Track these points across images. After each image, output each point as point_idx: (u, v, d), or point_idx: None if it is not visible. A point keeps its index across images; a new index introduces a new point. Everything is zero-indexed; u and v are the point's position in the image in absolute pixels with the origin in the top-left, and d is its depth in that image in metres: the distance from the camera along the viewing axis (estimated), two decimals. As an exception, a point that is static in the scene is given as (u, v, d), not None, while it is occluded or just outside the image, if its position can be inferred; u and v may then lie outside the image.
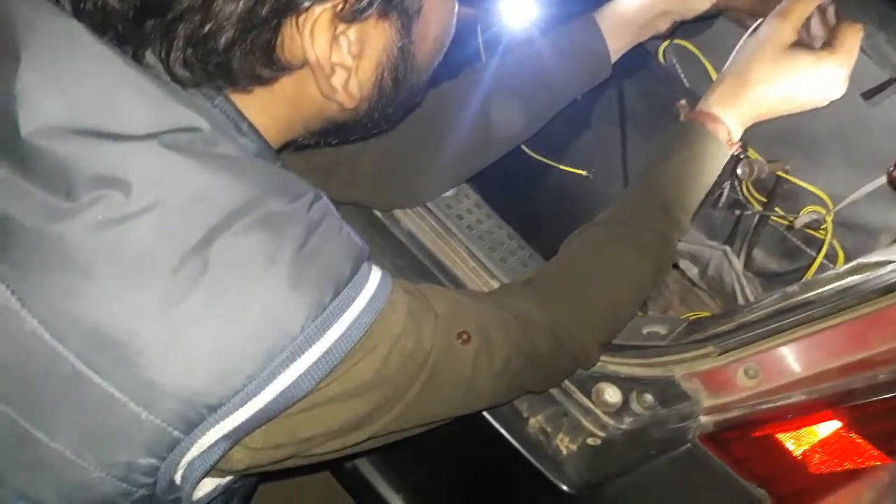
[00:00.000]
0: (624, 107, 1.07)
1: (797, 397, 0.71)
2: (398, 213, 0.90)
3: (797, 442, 0.72)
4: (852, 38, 0.77)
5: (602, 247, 0.76)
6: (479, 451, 0.88)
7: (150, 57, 0.53)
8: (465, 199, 0.93)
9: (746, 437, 0.73)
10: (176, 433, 0.49)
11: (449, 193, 0.93)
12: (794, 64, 0.77)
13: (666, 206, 0.77)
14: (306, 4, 0.52)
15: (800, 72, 0.78)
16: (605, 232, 0.77)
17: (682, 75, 1.05)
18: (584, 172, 1.06)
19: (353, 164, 0.82)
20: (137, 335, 0.48)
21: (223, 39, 0.52)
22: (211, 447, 0.50)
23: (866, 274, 0.72)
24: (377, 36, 0.57)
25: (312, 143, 0.66)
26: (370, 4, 0.54)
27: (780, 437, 0.72)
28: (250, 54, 0.53)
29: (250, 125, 0.57)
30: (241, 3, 0.50)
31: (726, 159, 0.81)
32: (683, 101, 0.85)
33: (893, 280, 0.68)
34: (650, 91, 1.06)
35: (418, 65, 0.62)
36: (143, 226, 0.48)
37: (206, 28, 0.51)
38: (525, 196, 1.08)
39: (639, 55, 1.05)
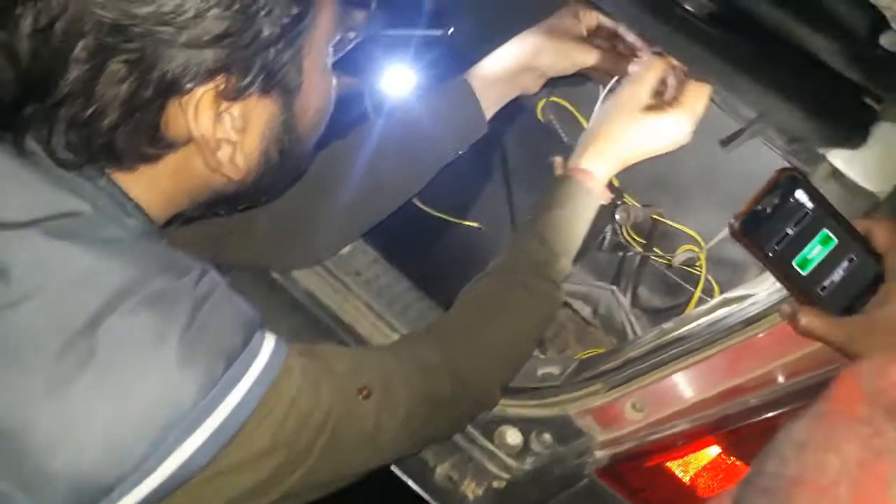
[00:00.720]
0: (508, 163, 1.14)
1: (681, 426, 0.76)
2: (295, 273, 0.91)
3: (685, 469, 0.77)
4: (694, 95, 0.87)
5: (497, 293, 0.80)
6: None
7: (30, 143, 0.53)
8: (363, 256, 0.96)
9: (639, 468, 0.78)
10: None
11: (345, 251, 0.95)
12: (647, 123, 0.86)
13: (551, 253, 0.82)
14: (189, 86, 0.53)
15: (651, 128, 0.86)
16: (498, 279, 0.81)
17: (560, 131, 1.12)
18: (477, 225, 1.11)
19: (246, 229, 0.82)
20: (23, 423, 0.47)
21: (106, 122, 0.52)
22: None
23: (731, 307, 0.78)
24: (260, 111, 0.59)
25: (199, 214, 0.67)
26: (251, 84, 0.56)
27: (670, 464, 0.77)
28: (135, 134, 0.54)
29: (135, 205, 0.58)
30: (123, 86, 0.51)
31: (598, 205, 0.88)
32: (558, 158, 0.91)
33: (754, 312, 0.75)
34: (532, 146, 1.13)
35: (301, 136, 0.64)
36: (25, 313, 0.48)
37: (89, 111, 0.52)
38: (421, 250, 1.11)
39: (520, 114, 1.12)
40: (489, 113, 0.92)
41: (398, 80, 1.01)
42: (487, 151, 1.13)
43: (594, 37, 0.96)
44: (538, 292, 0.81)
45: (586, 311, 1.24)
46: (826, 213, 0.68)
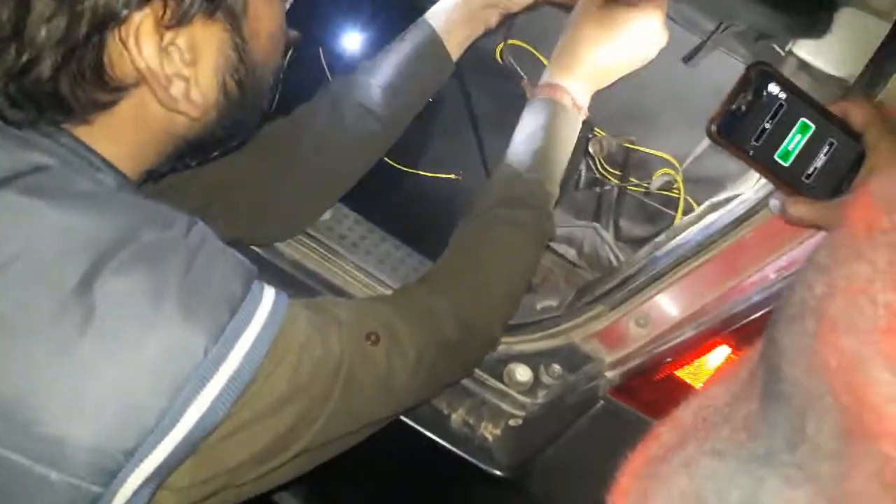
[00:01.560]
0: (473, 109, 1.12)
1: (687, 334, 0.77)
2: (279, 245, 0.89)
3: (695, 375, 0.78)
4: None
5: (486, 231, 0.79)
6: (409, 460, 0.89)
7: None
8: (345, 219, 0.94)
9: (650, 382, 0.78)
10: (94, 488, 0.47)
11: (326, 216, 0.93)
12: (612, 19, 0.83)
13: (534, 180, 0.81)
14: (124, 13, 0.50)
15: (619, 25, 0.83)
16: (486, 217, 0.80)
17: (521, 72, 1.12)
18: (452, 175, 1.10)
19: (226, 201, 0.81)
20: (32, 392, 0.46)
21: (46, 67, 0.50)
22: (134, 494, 0.48)
23: (720, 211, 0.79)
24: (208, 40, 0.56)
25: (169, 168, 0.64)
26: (191, 6, 0.53)
27: (679, 373, 0.77)
28: (79, 78, 0.51)
29: (104, 160, 0.55)
30: (54, 23, 0.49)
31: (578, 124, 0.86)
32: (525, 80, 0.90)
33: (743, 211, 0.75)
34: (495, 91, 1.12)
35: (258, 64, 0.61)
36: (11, 279, 0.46)
37: (24, 58, 0.49)
38: (402, 208, 1.10)
39: (479, 60, 1.11)
40: (455, 55, 0.90)
41: (356, 33, 0.99)
42: (451, 101, 1.12)
43: None
44: (525, 224, 0.80)
45: (571, 252, 1.24)
46: (801, 102, 0.69)
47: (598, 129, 1.10)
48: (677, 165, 1.09)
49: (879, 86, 0.70)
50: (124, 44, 0.51)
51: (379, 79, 0.87)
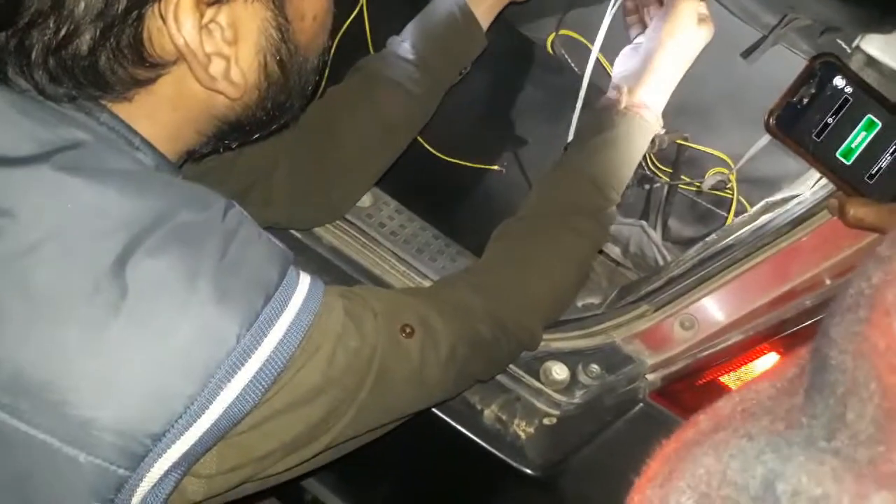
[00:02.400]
0: (522, 99, 1.10)
1: (734, 338, 0.74)
2: (318, 230, 0.89)
3: (740, 382, 0.74)
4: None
5: (541, 234, 0.78)
6: (439, 453, 0.87)
7: (16, 79, 0.51)
8: (385, 207, 0.93)
9: (693, 387, 0.75)
10: (121, 471, 0.46)
11: (367, 203, 0.92)
12: (694, 38, 0.85)
13: (602, 192, 0.80)
14: None
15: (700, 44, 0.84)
16: (542, 219, 0.79)
17: (572, 63, 1.09)
18: (497, 167, 1.08)
19: (265, 184, 0.80)
20: (63, 373, 0.45)
21: (84, 41, 0.49)
22: (161, 479, 0.48)
23: (776, 211, 0.75)
24: (250, 18, 0.54)
25: (210, 149, 0.63)
26: None
27: (724, 379, 0.74)
28: (118, 54, 0.50)
29: (143, 139, 0.55)
30: None
31: (652, 136, 0.86)
32: (614, 93, 0.88)
33: (800, 212, 0.72)
34: (545, 82, 1.09)
35: (302, 46, 0.59)
36: (45, 257, 0.45)
37: (63, 31, 0.48)
38: (444, 198, 1.09)
39: (529, 51, 1.09)
40: (485, 22, 0.88)
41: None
42: (500, 93, 1.10)
43: None
44: (585, 234, 0.79)
45: (615, 251, 1.20)
46: (868, 97, 0.65)
47: (649, 125, 1.07)
48: (731, 164, 1.04)
49: (955, 84, 0.66)
50: (164, 19, 0.50)
51: (409, 53, 0.86)
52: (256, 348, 0.49)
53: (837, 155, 0.66)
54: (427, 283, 0.87)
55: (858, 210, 0.65)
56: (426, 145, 1.07)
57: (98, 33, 0.49)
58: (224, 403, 0.48)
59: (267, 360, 0.49)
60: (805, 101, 0.65)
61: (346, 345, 0.55)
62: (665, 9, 0.87)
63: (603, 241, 0.81)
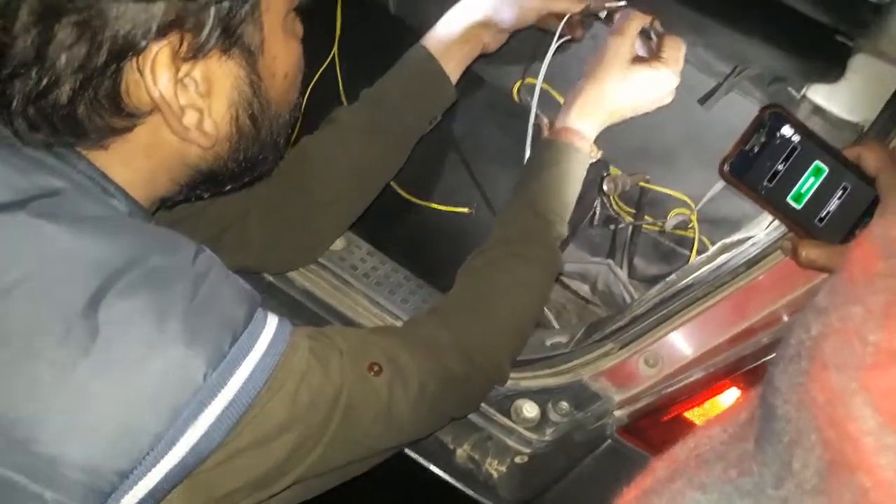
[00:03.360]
0: (490, 147, 1.14)
1: (696, 375, 0.76)
2: (291, 273, 0.90)
3: (704, 417, 0.77)
4: (676, 49, 0.87)
5: (495, 266, 0.80)
6: (413, 493, 0.88)
7: None
8: (357, 250, 0.95)
9: (659, 422, 0.77)
10: None
11: (340, 246, 0.94)
12: (637, 76, 0.86)
13: (544, 217, 0.82)
14: (143, 44, 0.52)
15: (642, 82, 0.86)
16: (494, 253, 0.81)
17: (538, 110, 1.13)
18: (466, 209, 1.11)
19: (239, 229, 0.82)
20: (32, 411, 0.46)
21: (64, 91, 0.51)
22: None
23: (733, 252, 0.79)
24: (224, 74, 0.57)
25: (183, 198, 0.65)
26: (208, 40, 0.54)
27: (688, 415, 0.76)
28: (96, 104, 0.53)
29: (117, 186, 0.57)
30: (75, 50, 0.50)
31: (587, 165, 0.88)
32: (545, 119, 0.92)
33: (756, 253, 0.75)
34: (511, 128, 1.12)
35: (274, 101, 0.62)
36: (19, 300, 0.47)
37: (44, 82, 0.51)
38: (416, 240, 1.11)
39: (497, 98, 1.12)
40: (454, 76, 0.92)
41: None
42: (469, 139, 1.13)
43: None
44: (535, 260, 0.81)
45: (584, 289, 1.23)
46: (815, 145, 0.69)
47: (613, 168, 1.11)
48: (692, 205, 1.08)
49: (893, 132, 0.70)
50: (141, 73, 0.53)
51: (381, 104, 0.88)
52: (223, 387, 0.50)
53: (788, 200, 0.69)
54: (399, 324, 0.89)
55: (810, 252, 0.68)
56: (398, 189, 1.10)
57: (78, 84, 0.51)
58: (191, 441, 0.49)
59: (233, 399, 0.51)
60: (756, 149, 0.69)
61: (309, 382, 0.57)
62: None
63: (554, 265, 0.83)
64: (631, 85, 0.86)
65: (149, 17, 0.51)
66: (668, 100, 0.90)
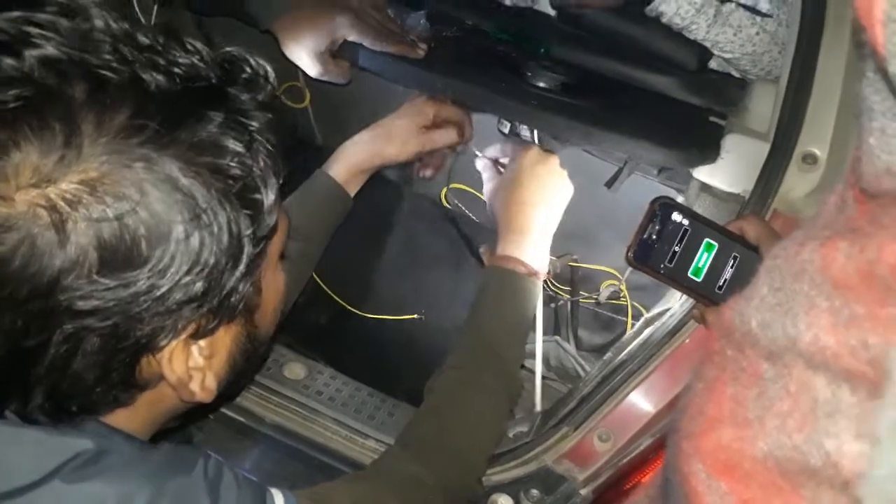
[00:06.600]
0: (428, 251, 1.22)
1: (646, 442, 0.83)
2: (261, 409, 0.95)
3: (661, 480, 0.83)
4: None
5: (455, 395, 0.88)
6: None
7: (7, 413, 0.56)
8: (319, 376, 1.01)
9: (622, 492, 0.84)
10: None
11: (302, 375, 1.00)
12: (543, 177, 0.98)
13: (495, 350, 0.91)
14: (163, 344, 0.55)
15: (548, 182, 0.98)
16: (453, 380, 0.89)
17: (468, 212, 1.22)
18: (416, 316, 1.18)
19: None
20: None
21: (81, 388, 0.54)
22: None
23: (655, 324, 0.87)
24: (225, 335, 0.61)
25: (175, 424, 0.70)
26: (218, 323, 0.57)
27: (646, 480, 0.83)
28: (109, 390, 0.56)
29: (125, 436, 0.59)
30: (99, 357, 0.53)
31: (537, 288, 0.97)
32: (484, 248, 1.01)
33: (674, 323, 0.84)
34: (445, 232, 1.22)
35: (264, 337, 0.66)
36: None
37: (65, 385, 0.54)
38: (372, 355, 1.17)
39: (427, 206, 1.22)
40: (353, 192, 1.04)
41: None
42: (408, 249, 1.21)
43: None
44: (497, 389, 0.89)
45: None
46: (702, 225, 0.79)
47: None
48: (619, 276, 1.18)
49: (768, 203, 0.81)
50: (157, 360, 0.56)
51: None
52: None
53: (689, 275, 0.78)
54: (368, 442, 0.94)
55: (715, 317, 0.77)
56: (348, 307, 1.17)
57: (94, 380, 0.54)
58: None
59: None
60: (654, 236, 0.78)
61: None
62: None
63: (515, 390, 0.91)
64: (542, 190, 0.97)
65: (172, 322, 0.54)
66: (570, 188, 1.02)
